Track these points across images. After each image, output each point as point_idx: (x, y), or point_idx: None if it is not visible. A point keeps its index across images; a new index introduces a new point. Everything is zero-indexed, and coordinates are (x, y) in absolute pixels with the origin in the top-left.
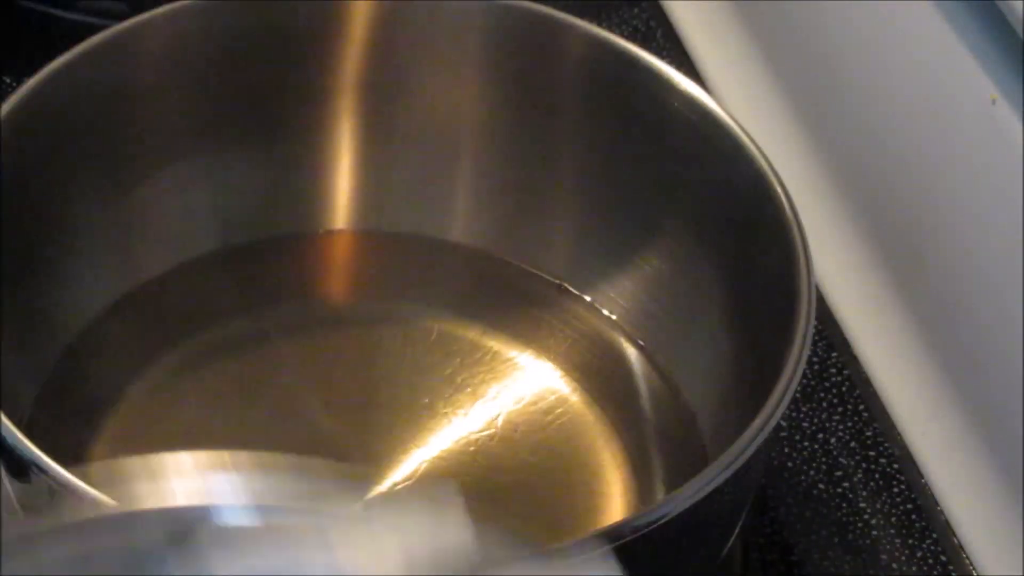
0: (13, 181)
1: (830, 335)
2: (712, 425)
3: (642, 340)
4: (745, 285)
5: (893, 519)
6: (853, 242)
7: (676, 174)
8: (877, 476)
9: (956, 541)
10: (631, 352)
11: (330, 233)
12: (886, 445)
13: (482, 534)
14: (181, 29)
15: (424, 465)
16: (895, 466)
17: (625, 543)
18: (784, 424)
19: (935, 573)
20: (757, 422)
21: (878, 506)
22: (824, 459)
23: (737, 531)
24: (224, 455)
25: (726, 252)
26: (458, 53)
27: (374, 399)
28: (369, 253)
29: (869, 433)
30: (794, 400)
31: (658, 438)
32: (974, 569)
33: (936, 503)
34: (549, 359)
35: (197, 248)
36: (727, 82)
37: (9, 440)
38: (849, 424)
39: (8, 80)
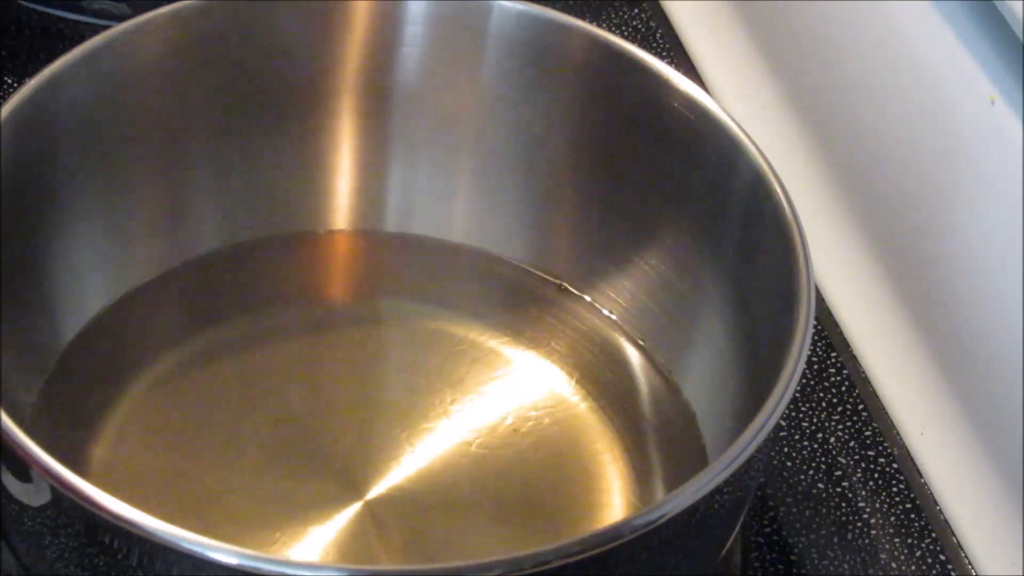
0: (13, 181)
1: (830, 335)
2: (712, 425)
3: (642, 340)
4: (745, 285)
5: (892, 518)
6: (853, 242)
7: (675, 174)
8: (876, 475)
9: (955, 540)
10: (631, 352)
11: (330, 233)
12: (885, 444)
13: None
14: (181, 29)
15: (424, 465)
16: (894, 465)
17: (625, 543)
18: (784, 424)
19: (934, 572)
20: (757, 422)
21: (877, 505)
22: (823, 458)
23: (737, 531)
24: None
25: (726, 252)
26: (458, 53)
27: (374, 399)
28: (369, 253)
29: (868, 433)
30: (793, 400)
31: (658, 438)
32: (973, 569)
33: (935, 502)
34: (549, 359)
35: (197, 248)
36: (727, 82)
37: (9, 440)
38: (848, 424)
39: (9, 80)
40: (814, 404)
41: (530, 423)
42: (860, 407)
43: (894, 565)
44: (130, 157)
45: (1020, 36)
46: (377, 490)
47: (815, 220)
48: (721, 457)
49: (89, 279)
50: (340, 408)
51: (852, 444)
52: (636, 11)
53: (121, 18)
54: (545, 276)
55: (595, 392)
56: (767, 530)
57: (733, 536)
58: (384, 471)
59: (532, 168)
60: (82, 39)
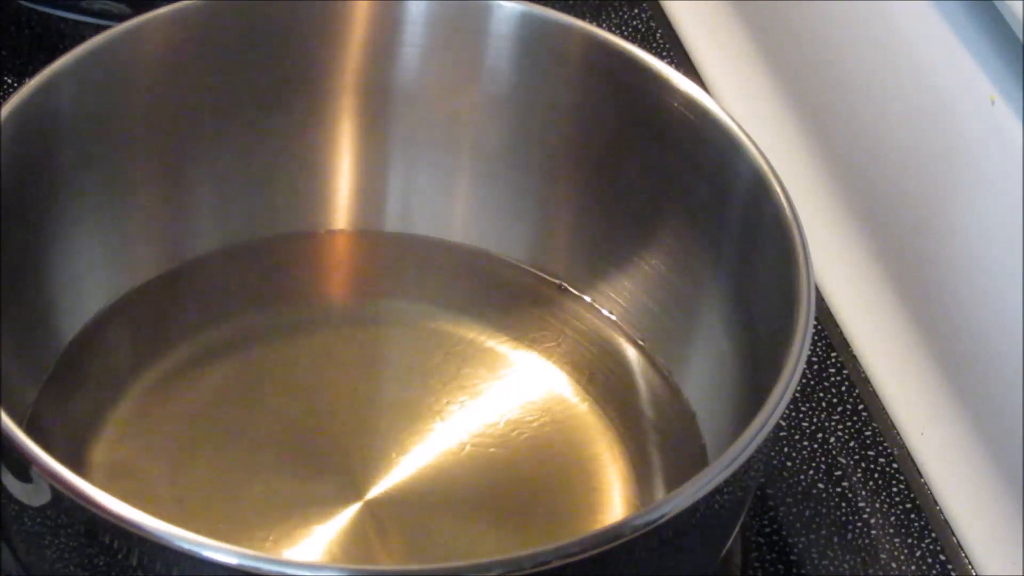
0: (13, 181)
1: (830, 335)
2: (712, 425)
3: (642, 340)
4: (745, 285)
5: (892, 518)
6: (853, 242)
7: (676, 174)
8: (876, 475)
9: (955, 540)
10: (631, 352)
11: (330, 233)
12: (885, 444)
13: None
14: (181, 29)
15: (423, 465)
16: (894, 465)
17: (625, 543)
18: (783, 423)
19: (934, 572)
20: (757, 421)
21: (877, 505)
22: (823, 458)
23: (737, 531)
24: None
25: (726, 252)
26: (458, 53)
27: (373, 399)
28: (369, 253)
29: (868, 432)
30: (793, 399)
31: (658, 438)
32: (973, 568)
33: (935, 502)
34: (549, 359)
35: (197, 248)
36: (727, 82)
37: (9, 440)
38: (848, 423)
39: (9, 80)
40: (814, 404)
41: (530, 423)
42: (860, 407)
43: (894, 565)
44: (130, 157)
45: (1020, 36)
46: (377, 490)
47: (815, 220)
48: (721, 457)
49: (89, 279)
50: (340, 408)
51: (852, 444)
52: (636, 11)
53: (121, 18)
54: (545, 276)
55: (595, 392)
56: (767, 530)
57: (733, 536)
58: (384, 471)
59: (532, 168)
60: (82, 39)
